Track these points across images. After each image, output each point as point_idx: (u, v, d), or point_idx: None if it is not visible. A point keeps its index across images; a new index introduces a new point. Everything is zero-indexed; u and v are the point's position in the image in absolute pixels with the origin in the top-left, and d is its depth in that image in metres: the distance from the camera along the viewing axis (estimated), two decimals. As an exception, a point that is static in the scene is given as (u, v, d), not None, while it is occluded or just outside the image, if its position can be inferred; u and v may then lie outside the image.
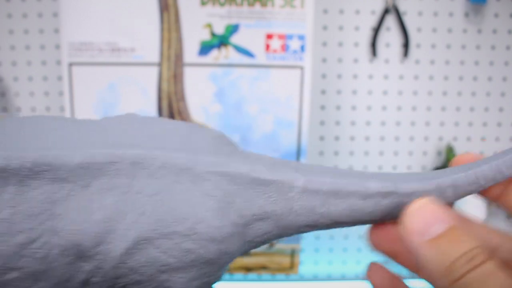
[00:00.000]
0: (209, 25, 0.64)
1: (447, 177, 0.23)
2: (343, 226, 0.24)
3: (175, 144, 0.23)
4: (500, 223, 0.78)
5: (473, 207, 0.74)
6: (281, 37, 0.65)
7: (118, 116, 0.24)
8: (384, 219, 0.24)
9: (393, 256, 0.25)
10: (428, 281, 0.20)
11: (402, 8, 0.80)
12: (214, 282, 0.24)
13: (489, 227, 0.24)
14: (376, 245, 0.25)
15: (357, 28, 0.81)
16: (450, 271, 0.18)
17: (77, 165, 0.20)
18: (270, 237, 0.24)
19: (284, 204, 0.23)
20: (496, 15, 0.81)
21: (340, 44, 0.81)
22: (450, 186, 0.23)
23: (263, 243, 0.24)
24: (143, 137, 0.23)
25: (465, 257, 0.18)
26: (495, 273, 0.18)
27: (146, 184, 0.21)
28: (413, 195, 0.22)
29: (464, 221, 0.24)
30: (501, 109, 0.85)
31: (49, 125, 0.23)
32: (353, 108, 0.83)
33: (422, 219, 0.20)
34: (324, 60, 0.81)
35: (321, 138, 0.83)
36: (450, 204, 0.24)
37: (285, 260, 0.75)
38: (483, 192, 0.24)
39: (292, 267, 0.75)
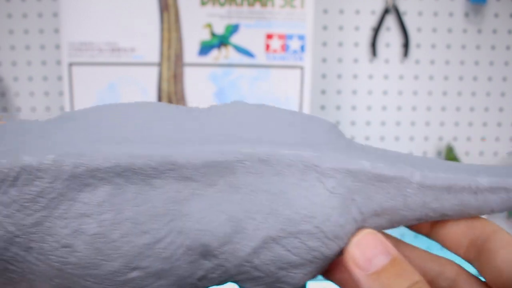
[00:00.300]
0: (209, 25, 0.64)
1: None
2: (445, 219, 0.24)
3: (294, 138, 0.22)
4: (500, 222, 0.78)
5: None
6: (281, 37, 0.65)
7: (226, 104, 0.23)
8: (490, 214, 0.24)
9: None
10: None
11: (402, 8, 0.80)
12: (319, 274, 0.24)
13: (429, 253, 0.24)
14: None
15: (357, 28, 0.81)
16: None
17: (204, 163, 0.20)
18: (379, 230, 0.23)
19: (400, 199, 0.23)
20: (496, 15, 0.81)
21: (340, 44, 0.81)
22: None
23: None
24: (259, 129, 0.22)
25: None
26: None
27: (273, 182, 0.21)
28: None
29: (406, 250, 0.24)
30: (501, 109, 0.85)
31: (161, 114, 0.22)
32: (353, 108, 0.83)
33: (365, 250, 0.20)
34: (324, 60, 0.81)
35: (321, 138, 0.83)
36: None
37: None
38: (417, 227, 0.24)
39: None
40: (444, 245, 0.23)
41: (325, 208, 0.21)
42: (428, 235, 0.24)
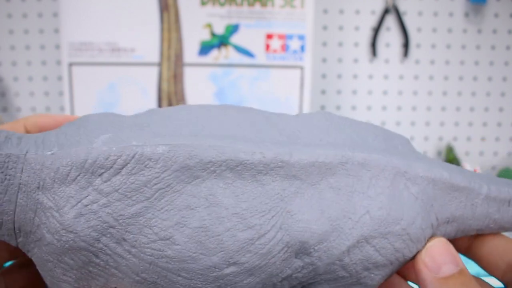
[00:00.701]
0: (209, 25, 0.64)
1: None
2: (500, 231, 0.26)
3: (380, 147, 0.24)
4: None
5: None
6: (281, 37, 0.65)
7: (314, 113, 0.25)
8: None
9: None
10: None
11: (402, 8, 0.80)
12: None
13: (481, 281, 0.25)
14: None
15: (357, 28, 0.81)
16: None
17: (311, 163, 0.21)
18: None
19: (469, 209, 0.24)
20: (496, 15, 0.81)
21: (340, 44, 0.81)
22: None
23: None
24: (349, 136, 0.23)
25: None
26: None
27: (369, 185, 0.22)
28: None
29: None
30: (501, 109, 0.85)
31: (255, 118, 0.23)
32: (353, 108, 0.83)
33: (438, 256, 0.22)
34: (324, 60, 0.81)
35: (321, 138, 0.83)
36: None
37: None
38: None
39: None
40: (481, 265, 0.25)
41: (411, 211, 0.22)
42: (466, 253, 0.25)
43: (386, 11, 0.79)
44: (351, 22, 0.80)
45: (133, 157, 0.19)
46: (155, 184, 0.19)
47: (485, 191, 0.25)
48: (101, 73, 0.65)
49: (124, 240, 0.19)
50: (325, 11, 0.80)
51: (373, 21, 0.80)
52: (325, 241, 0.21)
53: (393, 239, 0.22)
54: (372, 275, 0.22)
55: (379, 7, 0.80)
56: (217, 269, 0.20)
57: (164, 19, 0.64)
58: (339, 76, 0.82)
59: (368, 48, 0.81)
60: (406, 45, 0.80)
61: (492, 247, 0.24)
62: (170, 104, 0.66)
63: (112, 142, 0.19)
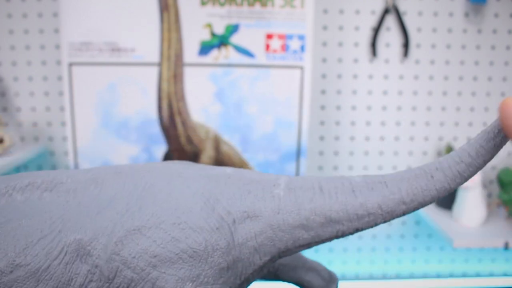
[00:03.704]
0: (209, 25, 0.64)
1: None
2: (337, 229, 0.25)
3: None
4: (500, 222, 0.78)
5: (473, 207, 0.75)
6: (281, 37, 0.65)
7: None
8: None
9: None
10: None
11: (402, 8, 0.80)
12: None
13: None
14: None
15: (357, 28, 0.81)
16: None
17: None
18: (264, 242, 0.24)
19: (271, 201, 0.24)
20: (496, 15, 0.81)
21: (340, 44, 0.81)
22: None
23: (266, 255, 0.25)
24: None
25: None
26: None
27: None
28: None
29: None
30: (501, 109, 0.85)
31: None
32: (353, 108, 0.83)
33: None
34: (324, 60, 0.81)
35: (321, 138, 0.83)
36: None
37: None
38: None
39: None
40: None
41: (186, 202, 0.24)
42: None
43: (386, 11, 0.79)
44: (351, 22, 0.80)
45: None
46: None
47: (284, 181, 0.25)
48: (101, 73, 0.65)
49: None
50: (325, 11, 0.80)
51: (373, 21, 0.80)
52: (99, 236, 0.23)
53: (168, 227, 0.23)
54: (164, 274, 0.23)
55: (379, 7, 0.80)
56: (4, 274, 0.22)
57: (164, 19, 0.64)
58: (339, 76, 0.82)
59: (368, 48, 0.81)
60: (406, 45, 0.80)
61: None
62: (170, 103, 0.66)
63: None
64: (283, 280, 0.35)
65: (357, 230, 0.25)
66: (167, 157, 0.67)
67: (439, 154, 0.85)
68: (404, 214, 0.25)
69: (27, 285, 0.22)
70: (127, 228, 0.23)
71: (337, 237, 0.25)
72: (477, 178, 0.74)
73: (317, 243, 0.26)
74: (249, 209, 0.24)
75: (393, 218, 0.25)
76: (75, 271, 0.23)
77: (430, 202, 0.25)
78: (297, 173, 0.68)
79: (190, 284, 0.23)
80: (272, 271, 0.34)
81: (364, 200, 0.24)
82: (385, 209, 0.24)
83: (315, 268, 0.35)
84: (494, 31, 0.82)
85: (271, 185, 0.25)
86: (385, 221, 0.25)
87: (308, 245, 0.26)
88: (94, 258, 0.23)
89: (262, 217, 0.24)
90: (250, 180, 0.25)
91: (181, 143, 0.67)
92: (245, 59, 0.65)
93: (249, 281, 0.27)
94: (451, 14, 0.81)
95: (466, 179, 0.24)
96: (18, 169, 0.80)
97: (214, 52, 0.65)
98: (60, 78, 0.79)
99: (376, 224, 0.25)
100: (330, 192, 0.25)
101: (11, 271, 0.22)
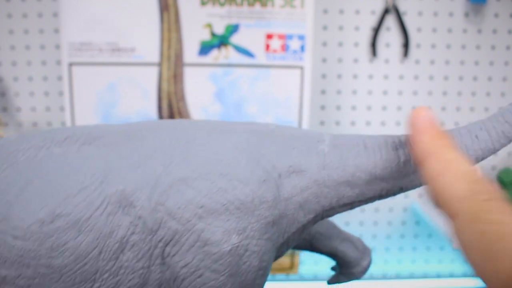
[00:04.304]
0: (209, 25, 0.64)
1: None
2: (381, 187, 0.24)
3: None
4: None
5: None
6: (281, 37, 0.65)
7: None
8: None
9: None
10: None
11: (402, 8, 0.80)
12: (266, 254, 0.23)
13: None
14: None
15: (357, 28, 0.81)
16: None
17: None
18: (309, 197, 0.24)
19: (316, 157, 0.24)
20: (496, 15, 0.81)
21: (340, 44, 0.81)
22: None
23: (310, 213, 0.24)
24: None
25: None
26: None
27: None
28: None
29: None
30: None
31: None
32: (353, 108, 0.83)
33: (420, 118, 0.22)
34: (324, 60, 0.81)
35: (321, 138, 0.83)
36: None
37: (285, 260, 0.75)
38: None
39: (292, 267, 0.75)
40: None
41: (230, 154, 0.24)
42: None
43: (386, 11, 0.79)
44: (351, 22, 0.80)
45: None
46: None
47: (328, 138, 0.24)
48: (101, 73, 0.65)
49: None
50: (325, 11, 0.80)
51: (373, 21, 0.80)
52: (142, 187, 0.22)
53: (214, 178, 0.22)
54: (210, 226, 0.22)
55: (379, 7, 0.80)
56: (45, 224, 0.21)
57: (164, 19, 0.64)
58: (339, 76, 0.82)
59: (368, 48, 0.81)
60: (406, 45, 0.80)
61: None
62: (170, 103, 0.66)
63: None
64: (317, 251, 0.35)
65: (401, 189, 0.25)
66: (167, 157, 0.67)
67: (439, 154, 0.85)
68: None
69: (68, 235, 0.21)
70: (172, 179, 0.22)
71: (381, 196, 0.25)
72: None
73: (361, 202, 0.25)
74: (294, 164, 0.23)
75: None
76: (117, 222, 0.22)
77: (477, 162, 0.24)
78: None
79: (236, 237, 0.22)
80: (308, 239, 0.34)
81: (409, 158, 0.24)
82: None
83: (350, 239, 0.35)
84: (494, 31, 0.82)
85: (316, 141, 0.24)
86: (422, 184, 0.24)
87: (352, 204, 0.25)
88: (137, 209, 0.22)
89: (307, 172, 0.24)
90: (293, 135, 0.24)
91: (181, 143, 0.67)
92: (245, 59, 0.65)
93: (289, 244, 0.26)
94: (451, 14, 0.81)
95: (510, 140, 0.24)
96: (18, 169, 0.80)
97: (214, 52, 0.65)
98: (60, 78, 0.79)
99: (417, 185, 0.25)
100: (374, 149, 0.24)
101: (52, 221, 0.21)
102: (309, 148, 0.24)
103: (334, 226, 0.34)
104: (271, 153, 0.23)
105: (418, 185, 0.24)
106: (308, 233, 0.33)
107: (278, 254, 0.26)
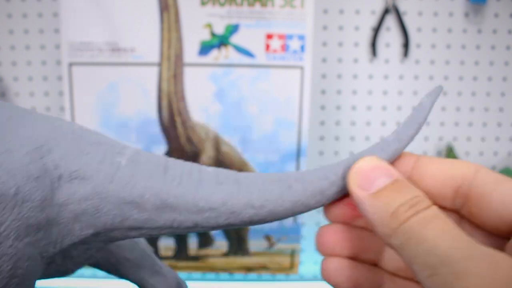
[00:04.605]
0: (209, 25, 0.64)
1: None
2: (173, 218, 0.23)
3: None
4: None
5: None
6: (281, 37, 0.65)
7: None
8: None
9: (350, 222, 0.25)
10: (376, 233, 0.20)
11: (402, 8, 0.80)
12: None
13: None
14: (333, 219, 0.25)
15: (357, 28, 0.81)
16: (393, 218, 0.19)
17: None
18: (88, 209, 0.21)
19: (107, 168, 0.22)
20: (496, 15, 0.81)
21: (340, 44, 0.81)
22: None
23: (88, 228, 0.22)
24: None
25: (408, 204, 0.19)
26: (436, 218, 0.19)
27: None
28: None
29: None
30: (501, 109, 0.85)
31: None
32: (353, 108, 0.83)
33: (367, 174, 0.21)
34: (324, 60, 0.81)
35: (321, 138, 0.83)
36: None
37: (285, 260, 0.75)
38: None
39: (292, 267, 0.75)
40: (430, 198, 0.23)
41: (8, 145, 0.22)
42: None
43: (386, 11, 0.79)
44: (351, 22, 0.80)
45: None
46: None
47: (130, 152, 0.23)
48: (101, 73, 0.65)
49: None
50: (325, 11, 0.80)
51: (373, 21, 0.80)
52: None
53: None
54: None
55: (379, 7, 0.80)
56: None
57: (164, 19, 0.64)
58: (339, 76, 0.82)
59: (368, 48, 0.81)
60: (406, 45, 0.80)
61: (432, 181, 0.22)
62: (170, 103, 0.66)
63: None
64: (125, 278, 0.32)
65: (197, 225, 0.22)
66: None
67: (439, 154, 0.85)
68: (253, 220, 0.22)
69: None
70: None
71: (173, 228, 0.22)
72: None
73: (151, 230, 0.22)
74: (80, 169, 0.21)
75: (241, 223, 0.22)
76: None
77: (285, 215, 0.22)
78: (297, 173, 0.68)
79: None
80: (113, 263, 0.31)
81: (209, 193, 0.22)
82: (230, 208, 0.22)
83: (163, 273, 0.32)
84: (494, 31, 0.82)
85: (115, 152, 0.22)
86: (229, 223, 0.22)
87: (140, 231, 0.22)
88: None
89: (91, 181, 0.21)
90: (94, 141, 0.22)
91: (181, 143, 0.67)
92: (245, 59, 0.65)
93: (71, 259, 0.24)
94: (451, 14, 0.81)
95: (328, 199, 0.22)
96: (18, 169, 0.80)
97: (214, 52, 0.65)
98: (60, 78, 0.79)
99: (218, 225, 0.22)
100: (174, 175, 0.22)
101: None
102: (105, 157, 0.22)
103: (147, 256, 0.31)
104: (61, 152, 0.21)
105: (216, 225, 0.22)
106: (114, 256, 0.30)
107: (58, 268, 0.24)
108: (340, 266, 0.25)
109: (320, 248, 0.25)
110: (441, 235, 0.18)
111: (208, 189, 0.22)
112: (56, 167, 0.21)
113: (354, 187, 0.21)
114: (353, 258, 0.25)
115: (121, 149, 0.22)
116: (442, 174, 0.22)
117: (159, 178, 0.22)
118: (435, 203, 0.21)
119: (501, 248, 0.19)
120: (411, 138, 0.23)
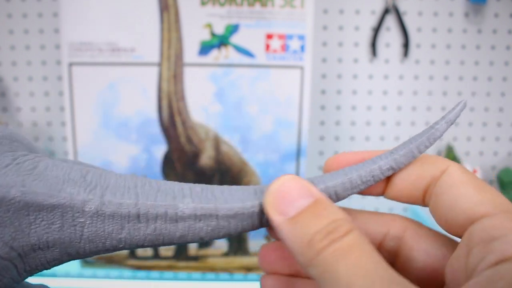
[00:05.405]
0: (209, 25, 0.64)
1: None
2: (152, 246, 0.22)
3: None
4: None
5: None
6: (281, 37, 0.65)
7: None
8: (200, 241, 0.22)
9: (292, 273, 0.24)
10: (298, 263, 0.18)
11: (402, 8, 0.80)
12: None
13: (374, 214, 0.23)
14: (269, 268, 0.24)
15: (357, 28, 0.81)
16: (310, 247, 0.17)
17: None
18: (62, 261, 0.21)
19: (72, 230, 0.20)
20: (496, 15, 0.81)
21: (340, 44, 0.81)
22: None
23: (55, 265, 0.21)
24: None
25: (325, 230, 0.17)
26: (352, 248, 0.16)
27: None
28: (236, 217, 0.20)
29: (352, 214, 0.23)
30: (501, 109, 0.85)
31: None
32: (353, 108, 0.83)
33: (283, 197, 0.19)
34: (324, 60, 0.81)
35: (321, 138, 0.83)
36: None
37: (285, 260, 0.74)
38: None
39: (292, 267, 0.75)
40: (402, 200, 0.22)
41: None
42: (384, 195, 0.22)
43: (386, 11, 0.79)
44: (351, 22, 0.80)
45: None
46: None
47: (93, 208, 0.20)
48: (101, 73, 0.65)
49: None
50: (325, 11, 0.80)
51: (373, 21, 0.80)
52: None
53: None
54: None
55: (379, 7, 0.80)
56: None
57: (164, 19, 0.64)
58: (339, 76, 0.82)
59: (368, 48, 0.81)
60: (406, 45, 0.80)
61: (404, 179, 0.21)
62: (170, 103, 0.66)
63: None
64: None
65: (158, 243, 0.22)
66: (167, 157, 0.67)
67: (439, 154, 0.85)
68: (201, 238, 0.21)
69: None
70: None
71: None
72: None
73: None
74: (40, 242, 0.20)
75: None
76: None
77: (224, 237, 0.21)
78: (297, 173, 0.68)
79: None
80: None
81: (187, 230, 0.21)
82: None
83: None
84: (494, 31, 0.82)
85: (76, 212, 0.20)
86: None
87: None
88: None
89: (57, 247, 0.21)
90: (44, 206, 0.20)
91: (181, 143, 0.67)
92: (245, 59, 0.65)
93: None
94: (451, 14, 0.81)
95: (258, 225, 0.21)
96: (18, 169, 0.80)
97: (214, 52, 0.65)
98: (60, 78, 0.79)
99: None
100: (148, 220, 0.21)
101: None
102: (64, 221, 0.20)
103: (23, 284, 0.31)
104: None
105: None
106: None
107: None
108: (276, 284, 0.23)
109: (262, 265, 0.24)
110: (354, 271, 0.16)
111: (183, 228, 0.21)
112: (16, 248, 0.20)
113: (271, 211, 0.19)
114: (295, 275, 0.23)
115: (82, 205, 0.20)
116: (413, 174, 0.21)
117: (132, 226, 0.21)
118: (410, 201, 0.20)
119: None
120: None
